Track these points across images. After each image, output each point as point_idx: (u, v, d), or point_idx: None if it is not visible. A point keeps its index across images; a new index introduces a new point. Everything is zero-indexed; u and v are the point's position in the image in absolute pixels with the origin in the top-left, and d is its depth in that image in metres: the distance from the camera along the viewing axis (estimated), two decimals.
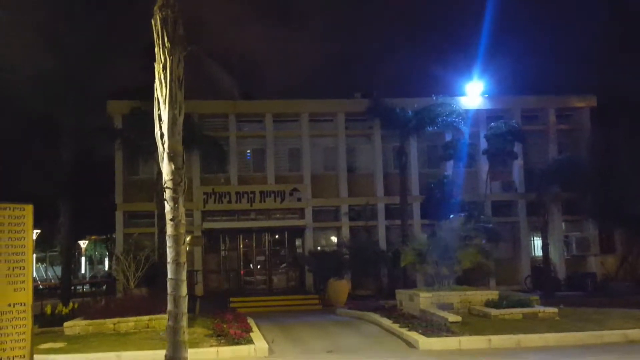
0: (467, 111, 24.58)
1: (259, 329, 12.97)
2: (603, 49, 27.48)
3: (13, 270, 5.47)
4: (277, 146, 25.30)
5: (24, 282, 5.51)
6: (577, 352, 10.35)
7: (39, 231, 26.03)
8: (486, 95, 25.62)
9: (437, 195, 23.54)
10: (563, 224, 25.70)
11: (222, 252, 25.24)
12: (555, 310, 13.26)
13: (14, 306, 5.44)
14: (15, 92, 17.24)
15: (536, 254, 25.46)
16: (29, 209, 5.66)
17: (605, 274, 24.51)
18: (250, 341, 11.39)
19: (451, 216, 16.56)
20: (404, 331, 12.15)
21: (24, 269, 5.53)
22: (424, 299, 13.88)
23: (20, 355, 5.40)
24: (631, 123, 22.23)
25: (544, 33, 26.94)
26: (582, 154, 24.37)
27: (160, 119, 6.87)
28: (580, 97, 26.17)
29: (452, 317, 12.36)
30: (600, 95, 25.70)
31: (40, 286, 27.71)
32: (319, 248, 24.75)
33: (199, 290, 22.33)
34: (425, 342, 11.12)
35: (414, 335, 11.57)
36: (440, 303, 13.73)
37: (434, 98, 23.47)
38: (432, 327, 12.07)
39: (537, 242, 25.42)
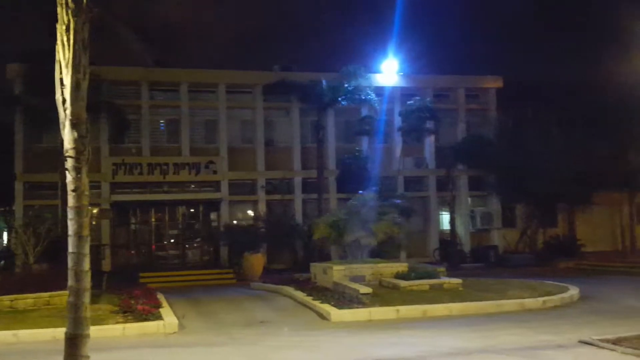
0: (382, 88, 25.12)
1: (170, 305, 12.68)
2: (511, 30, 28.89)
3: None
4: (193, 117, 24.58)
5: None
6: (479, 321, 10.95)
7: None
8: (401, 74, 26.18)
9: (353, 169, 23.93)
10: (469, 199, 27.04)
11: (133, 226, 24.37)
12: (460, 281, 13.95)
13: None
14: None
15: (444, 228, 26.67)
16: None
17: (506, 246, 26.13)
18: (159, 317, 11.12)
19: (360, 192, 16.89)
20: (317, 303, 12.34)
21: None
22: (337, 272, 14.14)
23: None
24: (533, 103, 23.65)
25: (458, 13, 27.82)
26: (489, 133, 25.63)
27: (62, 84, 6.43)
28: (488, 77, 27.41)
29: (363, 289, 12.69)
30: (506, 76, 27.07)
31: None
32: (235, 222, 24.52)
33: (106, 265, 21.46)
34: (337, 314, 11.35)
35: (326, 308, 11.78)
36: (353, 276, 14.04)
37: (348, 69, 23.48)
38: (344, 299, 12.33)
39: (446, 217, 26.62)
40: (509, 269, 21.30)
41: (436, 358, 8.14)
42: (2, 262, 24.20)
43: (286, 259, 23.65)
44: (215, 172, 24.02)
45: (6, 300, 11.96)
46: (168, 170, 23.51)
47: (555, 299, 12.78)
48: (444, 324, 10.79)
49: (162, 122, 25.04)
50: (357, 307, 11.72)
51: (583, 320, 10.68)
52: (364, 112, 25.24)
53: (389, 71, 25.95)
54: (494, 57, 28.46)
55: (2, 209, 30.99)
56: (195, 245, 24.86)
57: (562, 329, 9.80)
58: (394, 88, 25.97)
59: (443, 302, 12.20)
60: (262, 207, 24.25)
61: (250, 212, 24.98)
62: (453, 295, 12.84)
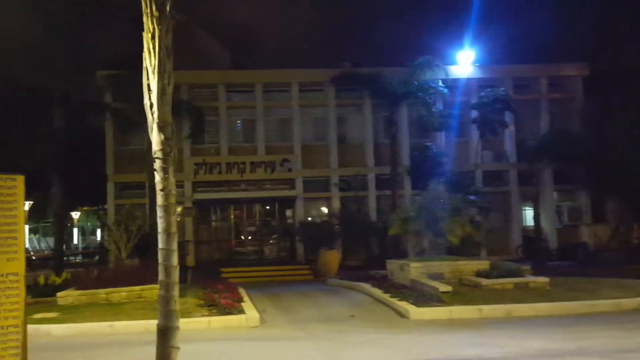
0: (457, 80, 24.44)
1: (250, 299, 12.96)
2: (595, 16, 27.24)
3: (5, 240, 5.43)
4: (267, 116, 25.11)
5: (16, 252, 5.50)
6: (568, 322, 10.43)
7: (31, 202, 25.87)
8: (477, 64, 25.42)
9: (427, 165, 23.52)
10: (555, 193, 25.85)
11: (213, 223, 25.23)
12: (547, 280, 13.34)
13: (7, 276, 5.39)
14: (5, 61, 16.89)
15: (528, 224, 25.65)
16: (20, 179, 5.56)
17: (597, 243, 24.76)
18: (241, 311, 11.41)
19: (429, 185, 16.18)
20: (395, 301, 12.21)
21: (16, 239, 5.51)
22: (415, 269, 13.94)
23: (14, 325, 5.41)
24: (623, 91, 22.19)
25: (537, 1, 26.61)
26: (574, 123, 24.35)
27: (149, 89, 6.72)
28: (573, 65, 26.04)
29: (442, 287, 12.43)
30: (592, 64, 25.57)
31: (33, 257, 27.67)
32: (309, 219, 24.79)
33: (190, 261, 22.37)
34: (416, 312, 11.18)
35: (404, 305, 11.63)
36: (431, 273, 13.79)
37: (420, 61, 22.87)
38: (422, 297, 12.12)
39: (529, 212, 25.59)
40: (600, 267, 20.10)
41: (524, 359, 7.83)
42: (97, 257, 25.85)
43: (361, 255, 23.62)
44: (289, 170, 24.41)
45: (102, 293, 12.70)
46: (245, 169, 24.15)
47: None
48: (531, 324, 10.36)
49: (238, 122, 25.74)
50: (437, 306, 11.50)
51: None
52: (438, 105, 24.71)
53: (464, 62, 25.27)
54: (580, 43, 26.97)
55: (96, 208, 33.09)
56: (272, 241, 25.38)
57: None
58: (469, 79, 25.25)
59: (529, 302, 11.72)
60: (336, 204, 24.37)
61: (325, 209, 25.17)
62: (539, 295, 12.31)
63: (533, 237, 24.43)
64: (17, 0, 17.64)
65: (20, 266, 5.46)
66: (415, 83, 22.84)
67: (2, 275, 5.34)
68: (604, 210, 25.80)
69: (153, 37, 6.52)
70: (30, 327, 5.64)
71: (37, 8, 17.81)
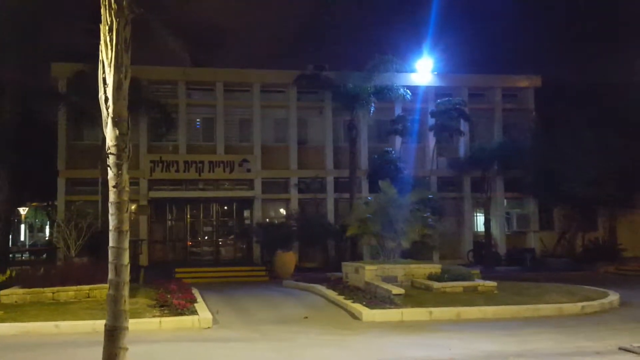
0: (416, 87, 24.92)
1: (204, 300, 12.86)
2: (548, 31, 28.26)
3: None
4: (228, 116, 24.93)
5: None
6: (514, 325, 10.78)
7: None
8: (435, 73, 25.95)
9: (385, 169, 23.84)
10: (505, 200, 26.63)
11: (169, 222, 24.85)
12: (494, 284, 13.75)
13: None
14: None
15: (479, 230, 26.31)
16: None
17: (543, 249, 25.63)
18: (194, 312, 11.30)
19: (381, 186, 16.33)
20: (349, 303, 12.34)
21: None
22: (369, 272, 14.11)
23: None
24: (569, 104, 23.08)
25: (495, 11, 27.34)
26: (525, 133, 25.15)
27: (105, 83, 6.63)
28: (525, 76, 26.87)
29: (395, 290, 12.63)
30: (545, 76, 26.48)
31: None
32: (267, 220, 24.72)
33: (143, 260, 21.92)
34: (369, 314, 11.33)
35: (357, 307, 11.77)
36: (385, 276, 13.99)
37: (379, 59, 22.97)
38: (375, 299, 12.30)
39: (480, 218, 26.25)
40: (546, 272, 20.85)
41: None
42: (45, 255, 25.01)
43: (318, 257, 23.76)
44: (249, 171, 24.30)
45: (48, 292, 12.33)
46: (203, 168, 23.89)
47: (594, 304, 12.47)
48: (478, 327, 10.66)
49: (198, 121, 25.47)
50: (389, 308, 11.68)
51: (623, 326, 10.41)
52: (397, 111, 25.10)
53: (422, 70, 25.75)
54: (533, 55, 27.88)
55: (45, 204, 32.04)
56: (228, 242, 25.18)
57: (601, 335, 9.59)
58: (427, 87, 25.75)
59: (477, 305, 12.05)
60: (295, 206, 24.41)
61: (283, 211, 25.16)
62: (488, 298, 12.68)
63: (483, 243, 25.11)
64: None
65: None
66: (375, 86, 23.04)
67: None
68: (550, 218, 26.74)
69: (110, 30, 6.43)
70: None
71: None
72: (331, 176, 25.04)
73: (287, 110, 25.22)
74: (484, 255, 24.43)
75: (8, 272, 14.67)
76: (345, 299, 12.82)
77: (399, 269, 14.32)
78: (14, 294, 12.34)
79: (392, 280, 13.82)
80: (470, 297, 12.73)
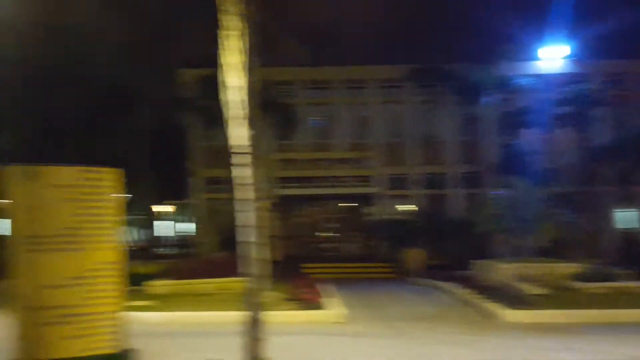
0: (542, 75, 23.25)
1: (334, 295, 13.01)
2: None
3: (107, 230, 5.68)
4: (347, 113, 25.13)
5: (116, 242, 5.76)
6: None
7: (129, 195, 27.35)
8: (566, 60, 24.03)
9: (512, 163, 22.54)
10: None
11: (295, 219, 25.56)
12: None
13: (107, 265, 5.63)
14: (93, 60, 17.75)
15: (628, 227, 24.03)
16: (120, 173, 5.95)
17: None
18: (324, 306, 11.46)
19: (516, 182, 15.38)
20: (483, 302, 11.83)
21: (116, 229, 5.82)
22: (503, 270, 13.44)
23: (111, 311, 5.68)
24: None
25: None
26: None
27: (230, 86, 6.87)
28: None
29: (534, 289, 11.89)
30: None
31: (129, 248, 29.25)
32: (391, 216, 24.54)
33: (273, 255, 22.77)
34: (506, 314, 10.77)
35: (492, 307, 11.25)
36: (521, 274, 13.23)
37: (502, 53, 21.92)
38: (511, 298, 11.63)
39: (624, 214, 23.96)
40: None
41: None
42: (187, 249, 26.92)
43: (443, 255, 23.05)
44: (370, 167, 24.32)
45: (191, 284, 13.18)
46: (325, 165, 24.30)
47: None
48: (627, 331, 9.67)
49: (318, 120, 25.89)
50: (527, 308, 11.00)
51: None
52: (523, 101, 23.60)
53: (552, 57, 23.95)
54: None
55: (186, 201, 34.45)
56: (352, 238, 25.38)
57: None
58: (555, 75, 23.89)
59: (624, 308, 10.96)
60: (418, 202, 24.01)
61: (406, 207, 24.83)
62: (636, 301, 11.46)
63: (633, 240, 22.85)
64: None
65: (115, 256, 5.69)
66: (498, 76, 21.91)
67: (103, 264, 5.59)
68: None
69: (233, 36, 6.65)
70: (124, 314, 5.89)
71: (123, 7, 18.44)
72: (453, 171, 24.31)
73: (406, 105, 24.91)
74: (630, 254, 22.21)
75: (155, 265, 15.82)
76: (477, 297, 12.33)
77: (536, 268, 13.46)
78: (161, 285, 13.36)
79: (527, 279, 13.01)
80: (616, 299, 11.61)
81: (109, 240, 5.65)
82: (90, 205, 5.57)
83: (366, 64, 25.48)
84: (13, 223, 5.39)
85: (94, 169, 5.71)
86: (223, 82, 6.77)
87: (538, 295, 11.65)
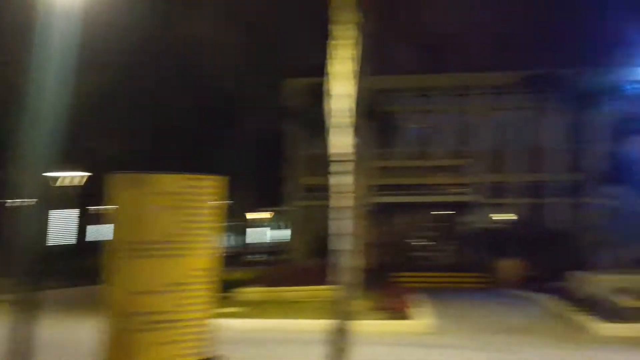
0: None
1: (424, 305, 13.00)
2: None
3: (206, 237, 5.73)
4: (450, 120, 24.89)
5: (213, 248, 5.79)
6: None
7: (230, 202, 28.64)
8: None
9: (620, 172, 21.28)
10: None
11: (388, 226, 25.56)
12: None
13: (202, 271, 5.64)
14: (202, 69, 18.60)
15: None
16: (224, 180, 5.95)
17: None
18: (413, 316, 11.50)
19: (616, 191, 14.46)
20: (576, 315, 11.44)
21: (214, 236, 5.82)
22: (601, 282, 12.88)
23: (202, 318, 5.58)
24: None
25: None
26: None
27: (335, 94, 7.07)
28: None
29: (630, 302, 11.32)
30: None
31: (224, 254, 30.53)
32: (487, 225, 23.99)
33: (363, 263, 22.93)
34: (601, 328, 10.40)
35: (587, 320, 10.87)
36: (619, 287, 12.60)
37: (612, 60, 20.88)
38: (608, 312, 11.18)
39: None
40: None
41: None
42: (280, 256, 27.77)
43: (539, 265, 22.17)
44: (469, 175, 23.94)
45: (283, 291, 13.57)
46: (423, 173, 24.17)
47: None
48: None
49: (418, 127, 25.81)
50: (622, 322, 10.54)
51: None
52: (632, 108, 22.20)
53: None
54: None
55: (280, 208, 35.48)
56: (446, 247, 25.04)
57: None
58: None
59: None
60: (517, 211, 23.31)
61: (504, 216, 24.17)
62: None
63: None
64: (214, 10, 19.18)
65: (211, 262, 5.72)
66: (608, 82, 20.88)
67: (199, 270, 5.61)
68: None
69: (340, 45, 6.94)
70: (214, 320, 6.21)
71: (232, 19, 19.06)
72: (555, 180, 23.31)
73: (507, 113, 24.30)
74: None
75: (247, 272, 15.93)
76: (571, 310, 11.93)
77: (633, 281, 12.72)
78: (252, 292, 13.77)
79: (624, 292, 12.36)
80: None
81: (206, 247, 5.72)
82: (192, 212, 5.63)
83: (472, 71, 25.10)
84: (115, 229, 5.42)
85: (197, 176, 5.75)
86: (328, 90, 7.06)
87: (634, 308, 11.10)
